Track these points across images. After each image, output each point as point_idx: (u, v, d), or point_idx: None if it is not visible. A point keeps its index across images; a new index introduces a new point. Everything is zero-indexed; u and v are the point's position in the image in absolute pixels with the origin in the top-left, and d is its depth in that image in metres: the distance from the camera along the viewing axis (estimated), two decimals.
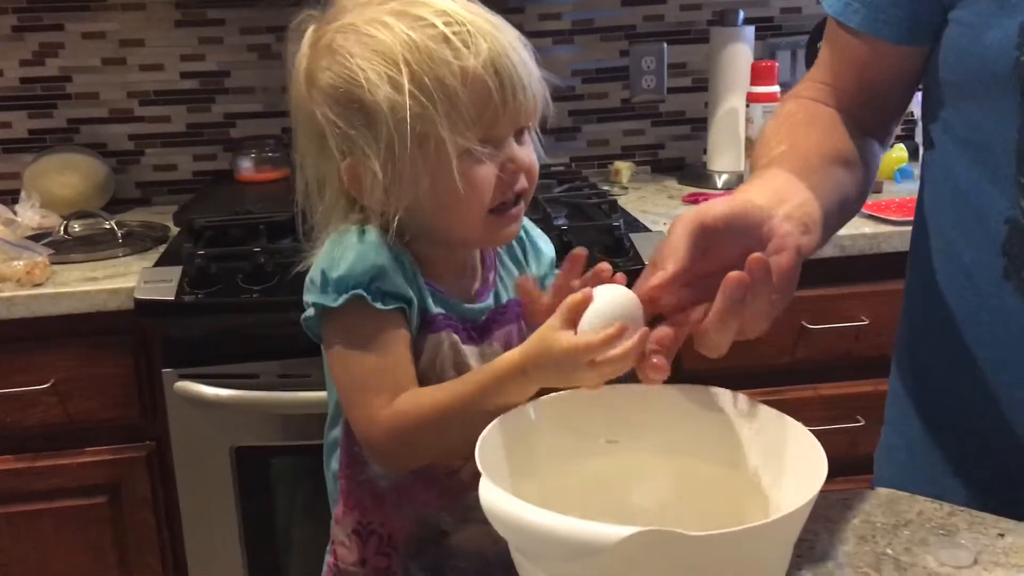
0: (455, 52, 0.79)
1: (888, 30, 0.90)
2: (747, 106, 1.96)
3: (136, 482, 1.64)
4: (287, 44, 0.87)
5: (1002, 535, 0.81)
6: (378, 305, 0.82)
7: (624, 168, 2.16)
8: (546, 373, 0.74)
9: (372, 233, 0.84)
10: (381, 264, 0.82)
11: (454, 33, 0.79)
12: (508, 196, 0.84)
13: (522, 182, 0.85)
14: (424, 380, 0.85)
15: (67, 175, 1.99)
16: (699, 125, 2.22)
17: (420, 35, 0.79)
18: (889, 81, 0.95)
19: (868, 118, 0.97)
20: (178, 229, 1.84)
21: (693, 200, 1.96)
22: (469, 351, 0.88)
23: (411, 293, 0.84)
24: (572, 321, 0.72)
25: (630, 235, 1.65)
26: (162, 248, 1.77)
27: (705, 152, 2.14)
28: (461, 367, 0.86)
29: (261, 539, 1.63)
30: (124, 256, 1.72)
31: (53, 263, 1.63)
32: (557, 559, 0.60)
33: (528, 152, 0.85)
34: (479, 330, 0.89)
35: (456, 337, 0.87)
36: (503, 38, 0.81)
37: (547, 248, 0.97)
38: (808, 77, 1.00)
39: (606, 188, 1.97)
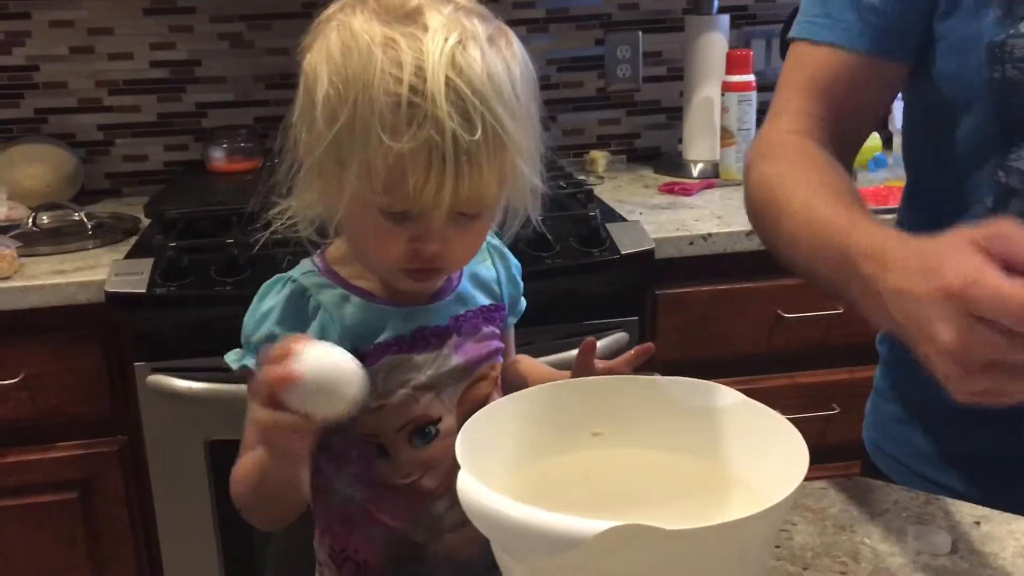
0: (393, 125, 0.72)
1: (862, 41, 0.91)
2: (722, 95, 1.97)
3: (108, 477, 1.62)
4: None
5: (978, 523, 0.81)
6: None
7: (600, 157, 2.15)
8: (264, 444, 0.76)
9: (294, 285, 0.84)
10: (275, 332, 0.81)
11: (409, 103, 0.72)
12: (413, 265, 0.80)
13: (433, 261, 0.80)
14: (367, 409, 0.83)
15: (35, 166, 1.96)
16: (674, 114, 2.22)
17: (381, 83, 0.73)
18: (874, 92, 0.94)
19: (837, 143, 0.94)
20: (149, 221, 1.81)
21: (669, 189, 1.95)
22: (423, 360, 0.85)
23: None
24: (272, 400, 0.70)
25: (606, 225, 1.65)
26: (133, 240, 1.74)
27: (680, 141, 2.14)
28: (411, 381, 0.85)
29: (236, 533, 1.61)
30: (94, 248, 1.70)
31: (21, 256, 1.60)
32: (535, 553, 0.59)
33: (455, 236, 0.79)
34: (439, 335, 0.86)
35: (400, 354, 0.84)
36: (459, 130, 0.72)
37: (514, 260, 0.95)
38: (774, 120, 0.96)
39: (582, 178, 1.96)
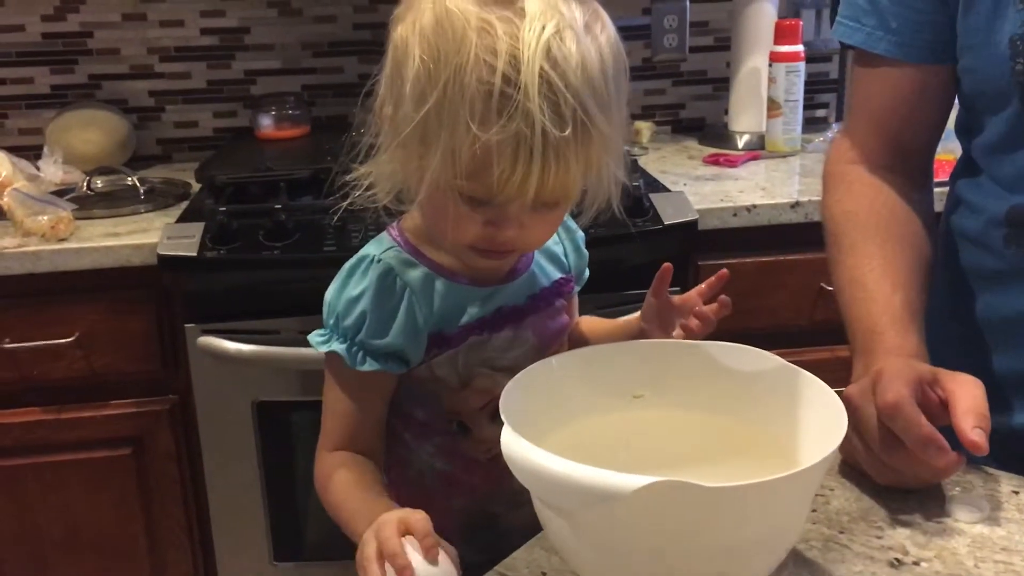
0: (483, 114, 0.70)
1: (915, 53, 0.95)
2: (770, 66, 1.95)
3: (159, 435, 1.66)
4: None
5: (1016, 492, 0.81)
6: (357, 367, 0.82)
7: (644, 128, 2.15)
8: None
9: (380, 266, 0.83)
10: (367, 312, 0.82)
11: (501, 94, 0.70)
12: (485, 246, 0.79)
13: (506, 245, 0.79)
14: (438, 388, 0.85)
15: (89, 131, 2.00)
16: (721, 85, 2.20)
17: (475, 69, 0.70)
18: (924, 105, 0.98)
19: (911, 157, 1.01)
20: (199, 186, 1.85)
21: (714, 161, 1.95)
22: (501, 340, 0.86)
23: (402, 342, 0.82)
24: (403, 529, 0.69)
25: (650, 195, 1.65)
26: (184, 205, 1.78)
27: (727, 112, 2.12)
28: (491, 362, 0.86)
29: (282, 491, 1.66)
30: (146, 212, 1.73)
31: (76, 218, 1.64)
32: (575, 506, 0.61)
33: (531, 223, 0.78)
34: (517, 314, 0.87)
35: (483, 336, 0.85)
36: (549, 124, 0.70)
37: (579, 232, 0.95)
38: (845, 134, 1.04)
39: (626, 148, 1.96)
